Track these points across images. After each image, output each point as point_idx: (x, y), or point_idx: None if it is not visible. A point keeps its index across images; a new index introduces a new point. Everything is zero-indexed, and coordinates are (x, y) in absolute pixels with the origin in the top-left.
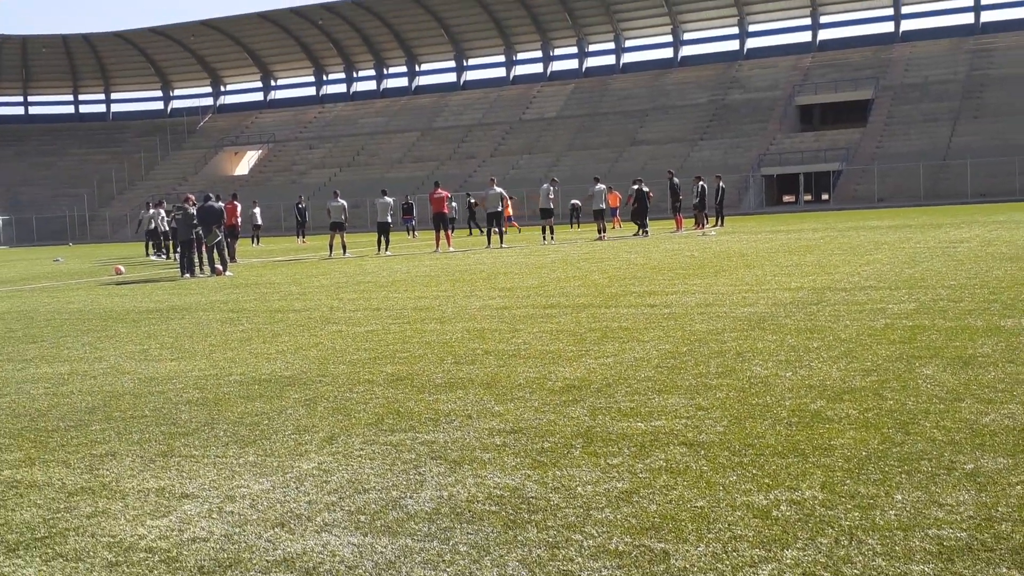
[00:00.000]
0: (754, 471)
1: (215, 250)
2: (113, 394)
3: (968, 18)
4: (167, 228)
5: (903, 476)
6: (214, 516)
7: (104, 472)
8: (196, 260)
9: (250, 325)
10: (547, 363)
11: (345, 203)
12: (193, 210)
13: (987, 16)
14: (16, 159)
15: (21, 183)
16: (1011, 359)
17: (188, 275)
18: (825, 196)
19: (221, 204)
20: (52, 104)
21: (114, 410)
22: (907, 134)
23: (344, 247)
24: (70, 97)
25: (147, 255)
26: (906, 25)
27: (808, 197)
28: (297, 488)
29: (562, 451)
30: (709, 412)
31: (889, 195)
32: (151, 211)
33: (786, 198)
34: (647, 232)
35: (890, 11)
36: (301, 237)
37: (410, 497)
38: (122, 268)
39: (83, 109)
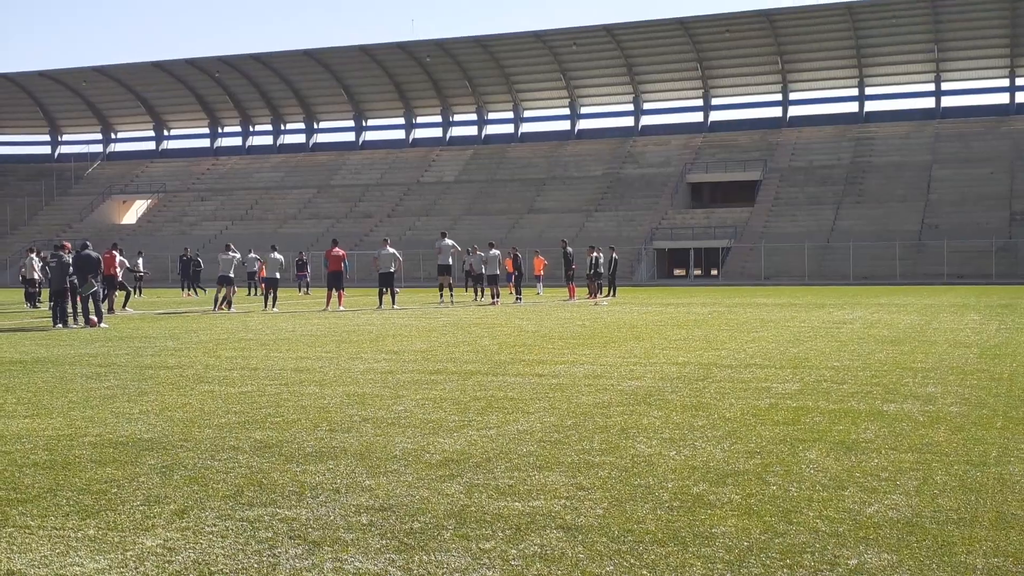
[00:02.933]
0: (632, 560)
1: (90, 300)
2: None
3: (853, 107)
4: (39, 276)
5: (785, 571)
6: None
7: None
8: (69, 310)
9: (116, 381)
10: (427, 433)
11: (237, 255)
12: (69, 258)
13: (870, 106)
14: None
15: None
16: (893, 446)
17: (61, 325)
18: (715, 271)
19: (98, 253)
20: None
21: None
22: (793, 215)
23: (230, 302)
24: None
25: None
26: (793, 111)
27: (698, 272)
28: (135, 569)
29: (432, 532)
30: (590, 492)
31: (775, 273)
32: (26, 258)
33: (677, 271)
34: (518, 299)
35: (779, 96)
36: (187, 290)
37: None
38: None
39: None
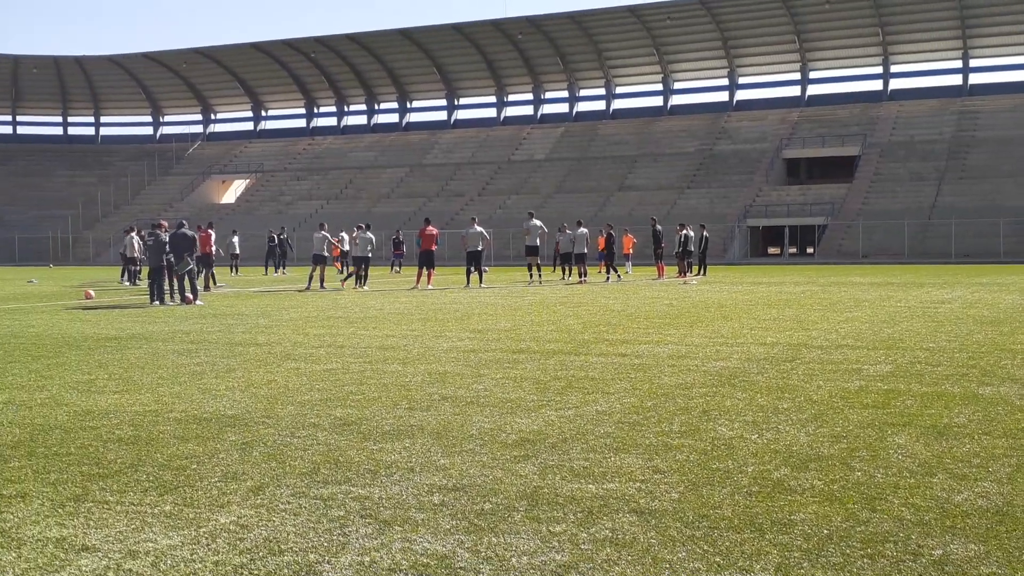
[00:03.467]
0: (705, 547)
1: (186, 278)
2: (43, 428)
3: (956, 79)
4: (137, 255)
5: (865, 560)
6: None
7: (8, 516)
8: (167, 288)
9: (206, 358)
10: (505, 413)
11: (328, 235)
12: (165, 237)
13: (975, 79)
14: (3, 178)
15: (6, 203)
16: (987, 431)
17: (157, 303)
18: (810, 250)
19: (194, 232)
20: (41, 125)
21: (39, 446)
22: (893, 192)
23: (322, 280)
24: (59, 119)
25: (121, 280)
26: (895, 84)
27: (793, 250)
28: (207, 546)
29: (503, 514)
30: (666, 476)
31: (873, 251)
32: (127, 236)
33: (771, 250)
34: (618, 276)
35: (879, 69)
36: (281, 269)
37: (327, 562)
38: (92, 292)
39: (72, 131)
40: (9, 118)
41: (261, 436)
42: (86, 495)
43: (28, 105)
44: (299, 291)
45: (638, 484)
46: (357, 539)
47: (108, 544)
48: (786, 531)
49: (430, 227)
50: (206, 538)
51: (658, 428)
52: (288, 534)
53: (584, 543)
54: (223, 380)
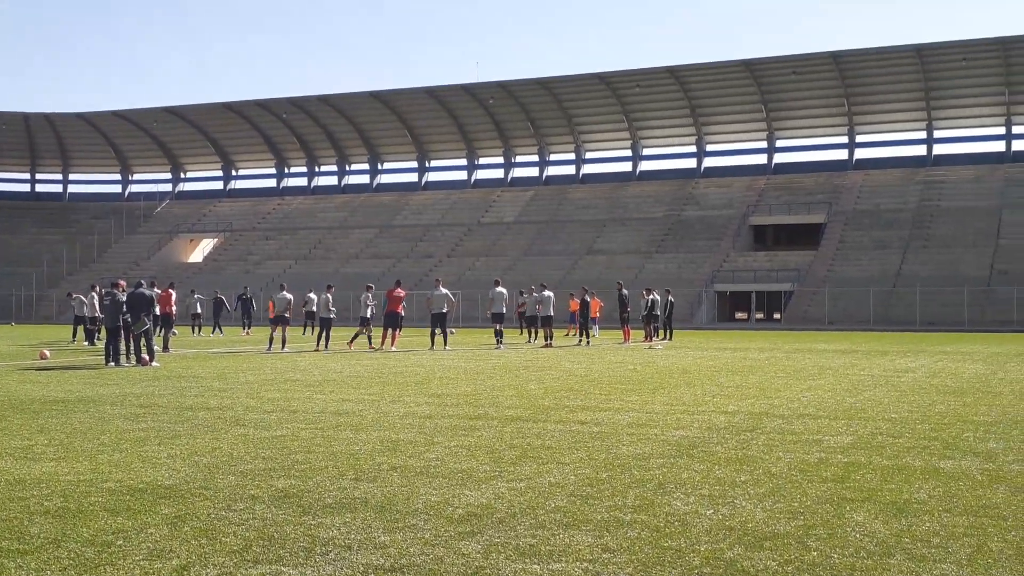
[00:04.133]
0: None
1: (142, 338)
2: None
3: (921, 150)
4: (93, 314)
5: None
6: None
7: None
8: (122, 349)
9: (153, 423)
10: (455, 484)
11: (290, 296)
12: (122, 296)
13: (939, 149)
14: None
15: None
16: (948, 508)
17: (113, 363)
18: (777, 315)
19: (154, 292)
20: (8, 182)
21: None
22: (858, 259)
23: (284, 341)
24: (27, 175)
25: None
26: (860, 153)
27: (760, 315)
28: None
29: None
30: (615, 555)
31: (839, 318)
32: (86, 295)
33: (739, 315)
34: (587, 341)
35: (845, 139)
36: (245, 329)
37: None
38: (47, 352)
39: (40, 188)
40: None
41: (195, 509)
42: (1, 574)
43: None
44: (260, 353)
45: (585, 564)
46: None
47: None
48: None
49: (399, 289)
50: None
51: (611, 502)
52: None
53: None
54: (166, 447)
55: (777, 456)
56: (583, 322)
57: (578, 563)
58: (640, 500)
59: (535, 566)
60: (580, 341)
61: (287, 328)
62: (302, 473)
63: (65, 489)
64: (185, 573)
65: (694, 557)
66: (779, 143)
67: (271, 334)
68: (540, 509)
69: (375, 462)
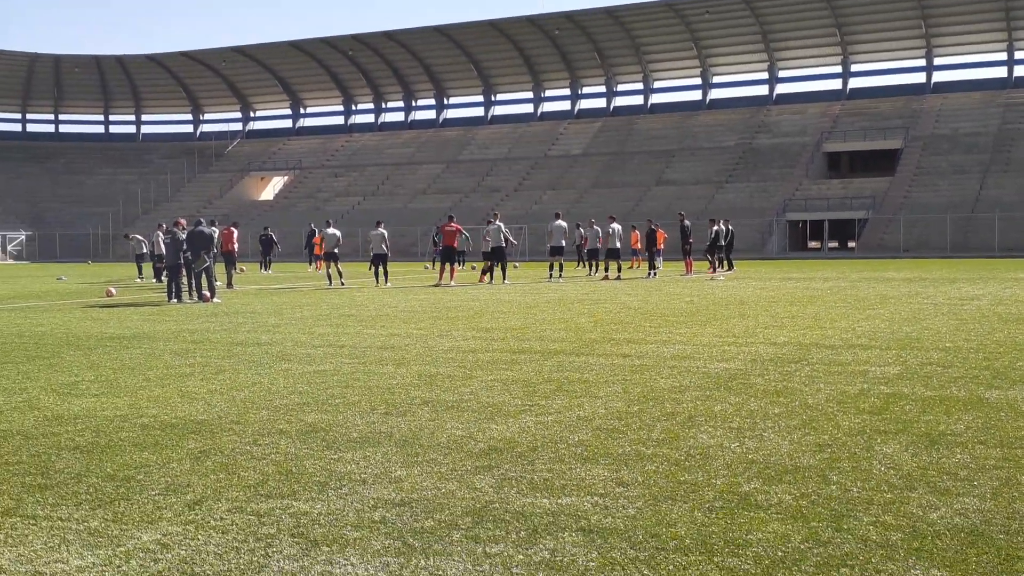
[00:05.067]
0: (646, 571)
1: (203, 276)
2: (5, 434)
3: (1001, 72)
4: (154, 251)
5: None
6: None
7: None
8: (184, 285)
9: (201, 359)
10: (482, 418)
11: (339, 233)
12: (182, 235)
13: (1020, 71)
14: (44, 176)
15: (47, 200)
16: (982, 439)
17: (175, 300)
18: (851, 244)
19: (214, 230)
20: (82, 123)
21: None
22: (936, 185)
23: (340, 275)
24: (101, 117)
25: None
26: (938, 77)
27: (834, 244)
28: (118, 568)
29: (442, 533)
30: (628, 489)
31: (915, 246)
32: (154, 234)
33: (812, 244)
34: (654, 272)
35: (922, 62)
36: (312, 264)
37: None
38: (113, 290)
39: (113, 129)
40: (51, 117)
41: (220, 444)
42: (17, 508)
43: (70, 104)
44: (321, 288)
45: (596, 499)
46: (277, 560)
47: (17, 565)
48: (737, 553)
49: (452, 223)
50: (120, 558)
51: (636, 435)
52: (208, 555)
53: (518, 566)
54: (208, 383)
55: (817, 388)
56: (650, 254)
57: (589, 496)
58: (666, 434)
59: (544, 500)
60: (649, 274)
61: (339, 263)
62: (335, 407)
63: (99, 425)
64: (196, 508)
65: (708, 491)
66: (854, 67)
67: (326, 271)
68: (562, 443)
69: (408, 396)
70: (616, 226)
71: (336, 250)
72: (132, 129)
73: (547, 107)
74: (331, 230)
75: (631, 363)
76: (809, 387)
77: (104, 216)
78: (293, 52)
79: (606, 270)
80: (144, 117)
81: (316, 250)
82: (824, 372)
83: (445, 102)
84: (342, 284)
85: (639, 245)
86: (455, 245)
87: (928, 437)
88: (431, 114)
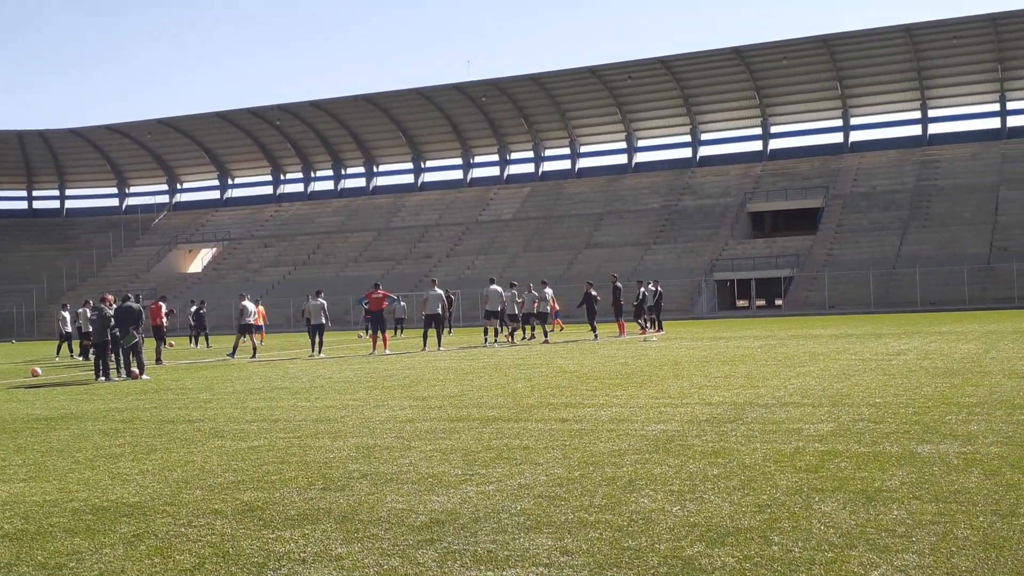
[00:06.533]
0: None
1: (132, 352)
2: None
3: (916, 130)
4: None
5: None
6: None
7: None
8: (112, 363)
9: (131, 438)
10: (423, 490)
11: (252, 305)
12: (110, 311)
13: (934, 128)
14: None
15: None
16: (918, 495)
17: (103, 378)
18: (778, 301)
19: (141, 306)
20: (4, 200)
21: None
22: (857, 242)
23: (254, 349)
24: (24, 192)
25: (78, 356)
26: (855, 136)
27: (761, 302)
28: None
29: None
30: (573, 557)
31: (840, 302)
32: (76, 310)
33: (740, 303)
34: (595, 335)
35: (839, 122)
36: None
37: None
38: (39, 370)
39: (36, 205)
40: None
41: (155, 527)
42: None
43: None
44: (249, 361)
45: (541, 569)
46: None
47: None
48: None
49: (379, 290)
50: None
51: (578, 502)
52: None
53: None
54: (139, 463)
55: (754, 447)
56: (590, 316)
57: (534, 568)
58: (607, 499)
59: (489, 573)
60: (594, 336)
61: (253, 335)
62: (271, 484)
63: (28, 511)
64: None
65: (653, 556)
66: (773, 129)
67: (236, 341)
68: (504, 513)
69: (346, 470)
70: (549, 290)
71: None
72: (56, 204)
73: (477, 173)
74: (245, 303)
75: (570, 428)
76: (746, 447)
77: (28, 293)
78: (220, 123)
79: (545, 334)
80: (68, 191)
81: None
82: (760, 431)
83: (375, 170)
84: (254, 358)
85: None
86: (383, 312)
87: (864, 494)
88: (361, 182)
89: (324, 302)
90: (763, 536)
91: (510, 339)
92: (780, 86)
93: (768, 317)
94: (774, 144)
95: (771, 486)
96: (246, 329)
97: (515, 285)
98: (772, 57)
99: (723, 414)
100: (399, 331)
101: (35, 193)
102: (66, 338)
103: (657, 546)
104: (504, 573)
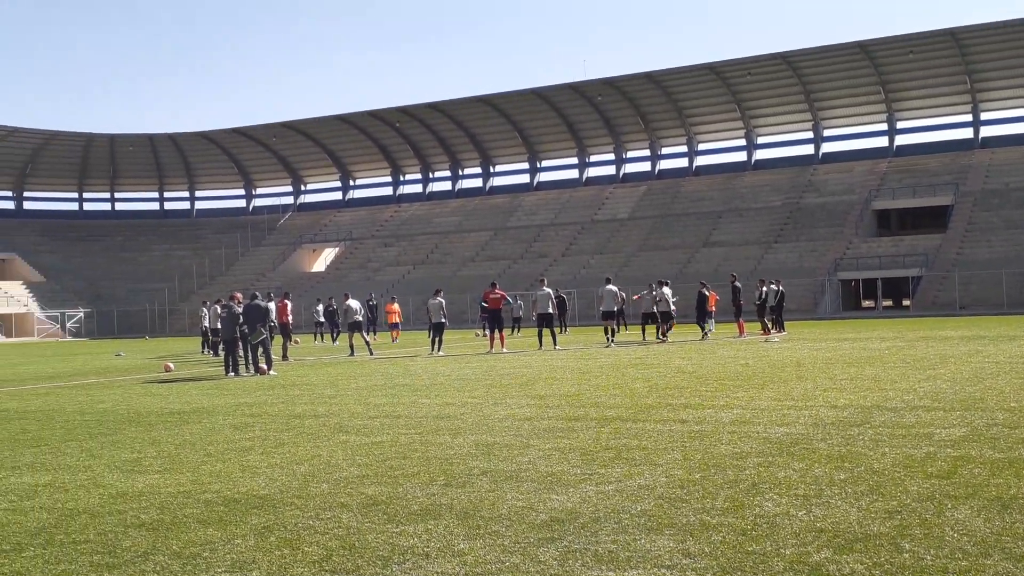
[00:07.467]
0: None
1: (260, 348)
2: (71, 512)
3: None
4: (213, 326)
5: None
6: None
7: None
8: (240, 359)
9: (260, 432)
10: (542, 488)
11: (357, 304)
12: (238, 309)
13: None
14: (101, 254)
15: (104, 277)
16: None
17: (232, 374)
18: (906, 302)
19: (270, 303)
20: (137, 201)
21: (60, 532)
22: (989, 241)
23: (352, 348)
24: (155, 194)
25: (202, 351)
26: (985, 131)
27: (888, 303)
28: None
29: None
30: (695, 560)
31: (971, 302)
32: (207, 308)
33: (866, 303)
34: (706, 335)
35: (969, 117)
36: (372, 334)
37: None
38: (171, 365)
39: (167, 206)
40: (107, 196)
41: (284, 519)
42: None
43: (125, 182)
44: (373, 358)
45: (663, 571)
46: None
47: None
48: None
49: (496, 290)
50: None
51: (700, 504)
52: None
53: None
54: (268, 456)
55: (882, 452)
56: (700, 316)
57: (656, 569)
58: (730, 502)
59: (610, 573)
60: (704, 335)
61: (364, 333)
62: (394, 479)
63: (163, 501)
64: None
65: (778, 561)
66: (900, 124)
67: (349, 340)
68: (625, 513)
69: (467, 466)
70: (667, 290)
71: (359, 318)
72: (186, 205)
73: (592, 172)
74: (349, 302)
75: (689, 429)
76: (874, 451)
77: (160, 292)
78: (341, 125)
79: (663, 333)
80: (197, 193)
81: (390, 319)
82: (888, 435)
83: (491, 170)
84: (370, 355)
85: (712, 307)
86: (500, 310)
87: (1000, 501)
88: (478, 182)
89: (442, 301)
90: (893, 543)
91: (664, 337)
92: (906, 80)
93: (895, 318)
94: (900, 140)
95: (901, 492)
96: (355, 327)
97: (610, 280)
98: (898, 51)
99: (849, 417)
100: (516, 330)
101: (166, 195)
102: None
103: (782, 551)
104: (626, 574)
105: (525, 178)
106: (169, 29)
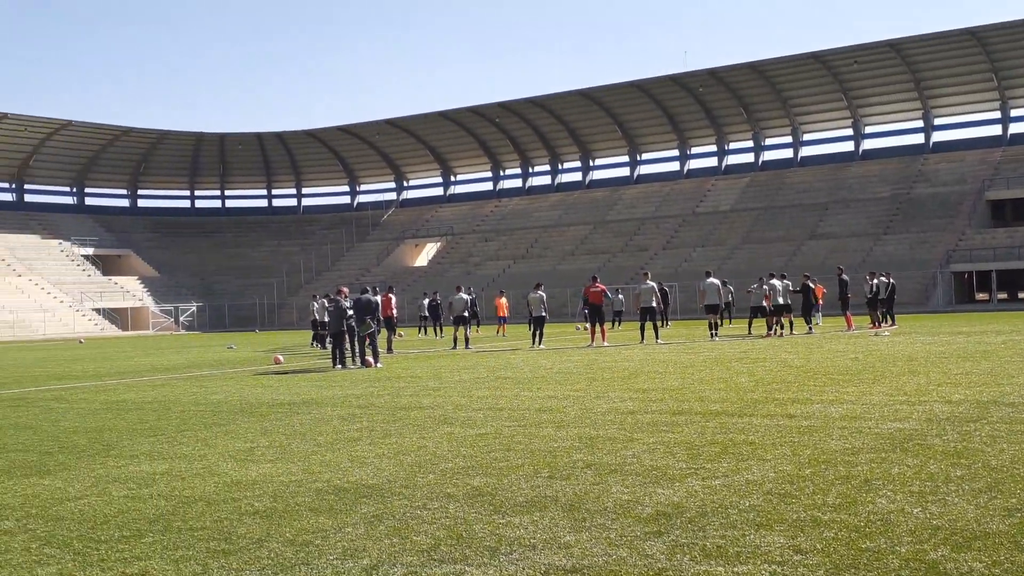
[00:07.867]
0: None
1: (367, 341)
2: (188, 500)
3: None
4: (321, 319)
5: None
6: None
7: None
8: (348, 352)
9: (367, 423)
10: (648, 482)
11: (467, 297)
12: (346, 303)
13: None
14: (212, 250)
15: (216, 272)
16: None
17: (339, 366)
18: (1022, 295)
19: (377, 298)
20: (247, 198)
21: (177, 519)
22: None
23: (467, 340)
24: (264, 191)
25: (312, 344)
26: None
27: (1003, 296)
28: None
29: None
30: (807, 557)
31: None
32: (316, 302)
33: (979, 296)
34: (811, 329)
35: None
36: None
37: None
38: (281, 358)
39: (275, 203)
40: (218, 193)
41: (392, 508)
42: (203, 573)
43: (235, 180)
44: (476, 351)
45: (774, 567)
46: None
47: None
48: None
49: (597, 283)
50: None
51: (810, 500)
52: None
53: None
54: (376, 447)
55: (1000, 448)
56: (805, 310)
57: (767, 565)
58: (842, 498)
59: (719, 568)
60: (809, 329)
61: (467, 327)
62: (499, 471)
63: (276, 490)
64: (373, 572)
65: (893, 559)
66: (1014, 112)
67: (454, 334)
68: (733, 508)
69: (571, 459)
70: (777, 282)
71: (465, 313)
72: (293, 202)
73: (693, 164)
74: (460, 295)
75: (798, 424)
76: (992, 447)
77: (269, 286)
78: (443, 122)
79: (770, 328)
80: (304, 190)
81: (499, 312)
82: (1006, 431)
83: (591, 163)
84: (467, 348)
85: (819, 300)
86: (602, 304)
87: None
88: (577, 176)
89: (543, 294)
90: (1014, 541)
91: (779, 332)
92: (1020, 67)
93: (1011, 311)
94: (1015, 128)
95: (1021, 489)
96: (460, 321)
97: (710, 274)
98: (1012, 38)
99: (965, 413)
100: (617, 323)
101: (274, 192)
102: (313, 326)
103: (898, 548)
104: (735, 569)
105: (625, 171)
106: (277, 32)
